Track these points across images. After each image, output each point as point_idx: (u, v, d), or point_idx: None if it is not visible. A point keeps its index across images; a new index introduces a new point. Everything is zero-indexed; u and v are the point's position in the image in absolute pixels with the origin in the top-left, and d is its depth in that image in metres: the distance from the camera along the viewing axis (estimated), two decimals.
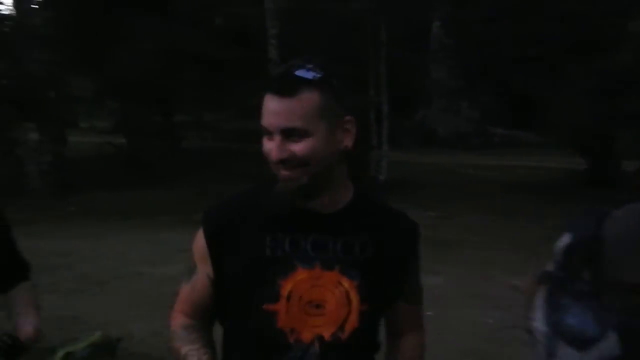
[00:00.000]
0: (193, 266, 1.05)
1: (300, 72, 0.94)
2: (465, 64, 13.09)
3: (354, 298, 0.98)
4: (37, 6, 10.42)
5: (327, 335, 0.97)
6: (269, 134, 0.95)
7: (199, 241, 1.04)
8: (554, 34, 9.38)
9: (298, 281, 0.96)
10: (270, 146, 0.95)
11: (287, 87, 0.93)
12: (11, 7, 11.36)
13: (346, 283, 0.98)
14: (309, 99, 0.93)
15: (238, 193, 1.08)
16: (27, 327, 1.29)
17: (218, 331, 1.12)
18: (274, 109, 0.94)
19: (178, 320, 1.08)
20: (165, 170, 9.79)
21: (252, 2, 10.13)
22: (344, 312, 0.98)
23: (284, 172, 0.95)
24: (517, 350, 3.44)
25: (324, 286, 0.97)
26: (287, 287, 0.96)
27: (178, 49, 9.60)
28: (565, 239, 1.23)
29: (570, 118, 9.15)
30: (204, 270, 1.04)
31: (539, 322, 1.38)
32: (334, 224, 1.00)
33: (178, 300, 1.09)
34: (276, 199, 0.98)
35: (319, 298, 0.97)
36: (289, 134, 0.93)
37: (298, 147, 0.93)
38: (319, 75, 0.94)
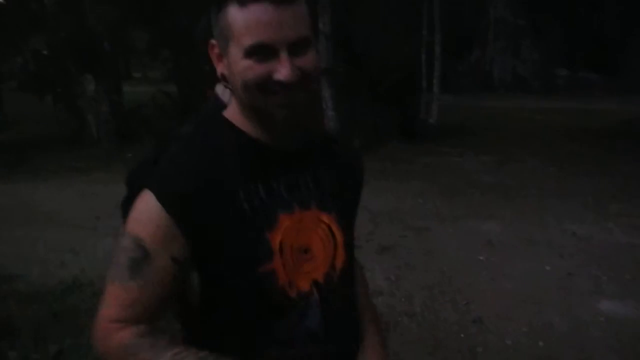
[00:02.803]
0: (142, 256, 0.81)
1: None
2: None
3: (337, 231, 0.92)
4: None
5: (320, 278, 0.90)
6: (265, 53, 0.78)
7: (156, 220, 0.81)
8: None
9: (284, 230, 0.86)
10: (267, 69, 0.79)
11: None
12: None
13: (325, 218, 0.91)
14: (302, 4, 0.82)
15: (178, 153, 0.89)
16: None
17: None
18: (273, 20, 0.77)
19: (126, 332, 0.81)
20: None
21: None
22: (331, 249, 0.91)
23: (284, 98, 0.80)
24: (575, 298, 3.34)
25: (306, 228, 0.89)
26: (276, 239, 0.85)
27: None
28: None
29: None
30: (165, 255, 0.82)
31: None
32: (301, 160, 0.91)
33: (112, 307, 0.83)
34: (238, 144, 0.87)
35: (305, 242, 0.89)
36: (296, 47, 0.79)
37: (306, 61, 0.80)
38: None
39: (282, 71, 0.78)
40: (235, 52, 0.80)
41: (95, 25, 9.38)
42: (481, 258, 3.95)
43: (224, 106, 1.03)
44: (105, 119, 9.56)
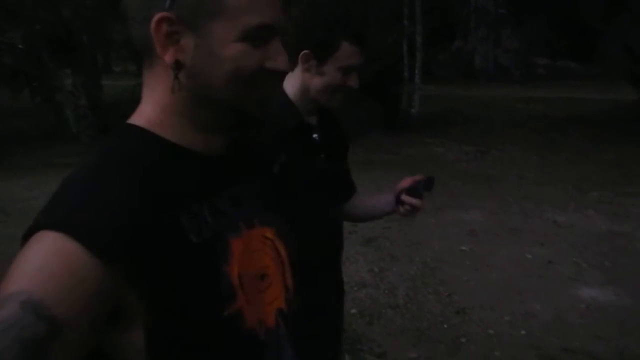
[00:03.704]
0: (47, 331, 0.52)
1: None
2: None
3: (280, 246, 0.78)
4: None
5: (283, 305, 0.76)
6: (264, 36, 0.67)
7: (70, 270, 0.55)
8: None
9: (239, 258, 0.69)
10: (262, 55, 0.67)
11: None
12: None
13: (269, 233, 0.76)
14: None
15: (87, 177, 0.65)
16: None
17: None
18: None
19: None
20: None
21: None
22: (280, 268, 0.78)
23: (269, 92, 0.70)
24: (556, 286, 3.38)
25: (256, 250, 0.73)
26: (234, 272, 0.68)
27: None
28: None
29: (626, 45, 8.53)
30: (85, 323, 0.55)
31: None
32: (238, 166, 0.75)
33: None
34: (168, 157, 0.68)
35: (260, 267, 0.73)
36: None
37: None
38: None
39: (280, 60, 0.66)
40: (225, 33, 0.63)
41: (72, 18, 9.17)
42: (464, 248, 3.97)
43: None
44: (83, 113, 9.39)
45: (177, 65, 0.65)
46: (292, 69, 1.29)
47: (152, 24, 0.62)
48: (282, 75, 0.68)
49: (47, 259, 0.55)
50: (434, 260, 3.47)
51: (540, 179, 5.98)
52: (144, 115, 0.69)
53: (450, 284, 3.37)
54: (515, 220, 4.62)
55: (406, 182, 1.38)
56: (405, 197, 1.34)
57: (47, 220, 0.58)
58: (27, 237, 0.58)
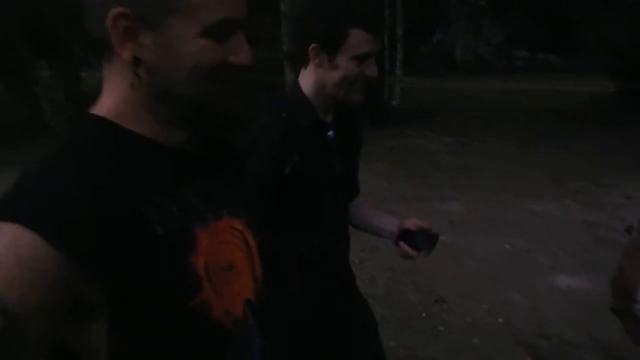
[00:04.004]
0: (6, 325, 0.51)
1: None
2: None
3: (249, 237, 0.78)
4: None
5: (251, 296, 0.76)
6: (227, 32, 0.65)
7: (29, 261, 0.54)
8: None
9: (206, 250, 0.69)
10: (225, 51, 0.65)
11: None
12: None
13: (238, 224, 0.76)
14: None
15: (47, 168, 0.63)
16: None
17: None
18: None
19: None
20: None
21: None
22: (249, 259, 0.78)
23: (234, 87, 0.69)
24: (533, 275, 3.44)
25: (224, 241, 0.73)
26: (200, 263, 0.68)
27: None
28: None
29: (604, 39, 8.68)
30: (43, 315, 0.54)
31: None
32: (205, 159, 0.75)
33: None
34: (134, 149, 0.67)
35: (227, 258, 0.73)
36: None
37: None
38: None
39: (245, 54, 0.65)
40: (185, 28, 0.62)
41: (47, 9, 8.96)
42: (444, 238, 3.96)
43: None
44: (61, 106, 9.21)
45: (136, 62, 0.63)
46: (305, 65, 1.25)
47: (109, 20, 0.61)
48: (243, 71, 0.67)
49: (2, 251, 0.54)
50: None
51: (519, 170, 6.05)
52: (105, 107, 0.68)
53: (429, 274, 3.40)
54: (494, 211, 4.68)
55: (411, 224, 1.37)
56: (402, 245, 1.35)
57: (3, 211, 0.57)
58: None
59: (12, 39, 9.01)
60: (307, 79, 1.26)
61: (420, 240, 1.34)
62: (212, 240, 0.70)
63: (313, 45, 1.20)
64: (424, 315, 2.87)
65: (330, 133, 1.29)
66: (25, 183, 0.60)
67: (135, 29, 0.62)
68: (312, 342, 1.32)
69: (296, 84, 1.28)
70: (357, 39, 1.17)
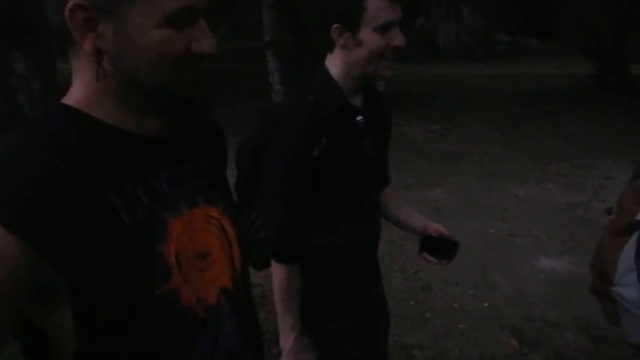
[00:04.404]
0: None
1: None
2: None
3: (227, 225, 0.78)
4: None
5: (228, 284, 0.76)
6: (187, 19, 0.64)
7: (0, 250, 0.56)
8: None
9: (177, 238, 0.68)
10: (187, 39, 0.64)
11: None
12: None
13: (215, 212, 0.76)
14: None
15: (14, 155, 0.62)
16: None
17: None
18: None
19: None
20: None
21: None
22: (226, 247, 0.77)
23: (197, 73, 0.68)
24: (516, 258, 3.50)
25: (199, 229, 0.73)
26: (170, 251, 0.67)
27: None
28: None
29: (582, 20, 8.75)
30: (6, 302, 0.57)
31: (629, 289, 1.26)
32: (176, 146, 0.74)
33: None
34: (100, 137, 0.66)
35: (202, 246, 0.73)
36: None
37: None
38: None
39: (207, 42, 0.65)
40: (143, 19, 0.61)
41: None
42: None
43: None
44: (38, 98, 9.02)
45: (97, 53, 0.63)
46: (330, 50, 1.23)
47: (67, 12, 0.61)
48: (204, 58, 0.66)
49: None
50: (400, 239, 3.52)
51: (502, 154, 6.12)
52: (74, 96, 0.68)
53: (416, 261, 3.43)
54: (478, 196, 4.73)
55: (433, 229, 1.39)
56: (425, 255, 1.37)
57: None
58: None
59: None
60: (334, 63, 1.23)
61: (440, 247, 1.37)
62: (185, 228, 0.70)
63: (334, 26, 1.17)
64: (411, 302, 2.91)
65: (359, 118, 1.26)
66: None
67: (94, 19, 0.61)
68: (340, 333, 1.31)
69: (324, 69, 1.25)
70: (376, 8, 1.14)
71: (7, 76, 9.19)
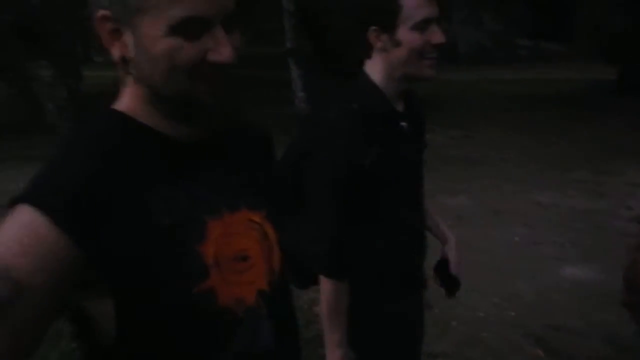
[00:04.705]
0: (10, 291, 0.58)
1: None
2: None
3: (269, 230, 0.80)
4: None
5: (265, 286, 0.78)
6: (197, 29, 0.64)
7: (37, 238, 0.60)
8: None
9: (216, 239, 0.71)
10: (200, 48, 0.65)
11: None
12: None
13: (257, 217, 0.78)
14: None
15: (60, 156, 0.68)
16: None
17: None
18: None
19: None
20: None
21: None
22: (267, 251, 0.79)
23: (215, 82, 0.67)
24: (540, 266, 3.48)
25: (239, 233, 0.75)
26: (209, 252, 0.70)
27: None
28: None
29: (603, 24, 8.65)
30: (47, 288, 0.59)
31: None
32: (218, 153, 0.76)
33: None
34: (145, 141, 0.70)
35: (241, 249, 0.75)
36: (229, 22, 0.72)
37: (236, 39, 0.71)
38: None
39: (223, 52, 0.64)
40: (154, 28, 0.62)
41: (41, 6, 8.93)
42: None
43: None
44: (63, 105, 9.22)
45: (124, 61, 0.67)
46: (369, 55, 1.20)
47: (96, 22, 0.65)
48: (222, 68, 0.66)
49: (15, 229, 0.60)
50: None
51: (523, 160, 6.08)
52: (122, 101, 0.73)
53: None
54: (500, 202, 4.71)
55: (447, 253, 1.44)
56: (435, 276, 1.41)
57: (24, 194, 0.63)
58: (12, 203, 0.63)
59: (12, 38, 9.00)
60: (374, 68, 1.20)
61: (447, 279, 1.42)
62: (224, 231, 0.72)
63: (371, 29, 1.14)
64: (436, 311, 2.93)
65: (403, 124, 1.22)
66: (42, 168, 0.66)
67: (118, 29, 0.65)
68: (383, 339, 1.30)
69: (364, 75, 1.21)
70: (411, 6, 1.11)
71: (33, 83, 9.43)
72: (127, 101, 0.71)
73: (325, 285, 1.22)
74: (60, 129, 8.98)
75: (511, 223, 4.20)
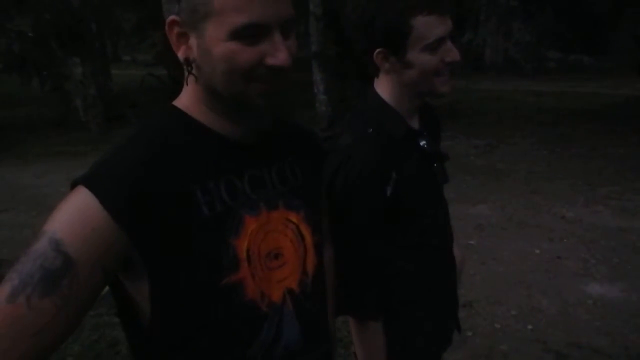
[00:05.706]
0: (62, 264, 0.63)
1: None
2: None
3: (306, 232, 0.82)
4: None
5: (294, 285, 0.80)
6: (256, 34, 0.68)
7: (90, 220, 0.65)
8: None
9: (251, 235, 0.75)
10: (258, 53, 0.69)
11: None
12: None
13: (294, 217, 0.81)
14: None
15: (120, 147, 0.73)
16: None
17: None
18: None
19: None
20: None
21: None
22: (301, 252, 0.81)
23: (270, 85, 0.72)
24: (563, 281, 3.36)
25: (275, 230, 0.78)
26: (242, 246, 0.74)
27: None
28: None
29: (636, 38, 8.43)
30: (96, 265, 0.66)
31: None
32: (264, 153, 0.80)
33: (7, 339, 0.61)
34: (195, 137, 0.75)
35: (275, 247, 0.78)
36: (286, 27, 0.76)
37: (293, 44, 0.75)
38: None
39: (280, 56, 0.68)
40: (216, 33, 0.67)
41: (80, 6, 9.19)
42: (472, 242, 3.95)
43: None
44: (92, 102, 9.43)
45: (187, 62, 0.73)
46: (376, 74, 1.14)
47: (166, 26, 0.72)
48: (278, 71, 0.70)
49: (70, 208, 0.67)
50: None
51: (549, 173, 5.93)
52: (181, 99, 0.79)
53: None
54: (523, 214, 4.59)
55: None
56: None
57: (84, 176, 0.69)
58: (73, 184, 0.70)
59: (46, 35, 9.26)
60: (383, 88, 1.13)
61: None
62: (260, 228, 0.76)
63: (378, 50, 1.06)
64: None
65: (423, 143, 1.15)
66: (105, 155, 0.72)
67: (185, 34, 0.72)
68: None
69: (374, 94, 1.15)
70: (423, 26, 1.01)
71: (64, 80, 9.68)
72: (185, 99, 0.78)
73: (361, 328, 1.13)
74: (90, 124, 9.19)
75: (533, 236, 4.08)
